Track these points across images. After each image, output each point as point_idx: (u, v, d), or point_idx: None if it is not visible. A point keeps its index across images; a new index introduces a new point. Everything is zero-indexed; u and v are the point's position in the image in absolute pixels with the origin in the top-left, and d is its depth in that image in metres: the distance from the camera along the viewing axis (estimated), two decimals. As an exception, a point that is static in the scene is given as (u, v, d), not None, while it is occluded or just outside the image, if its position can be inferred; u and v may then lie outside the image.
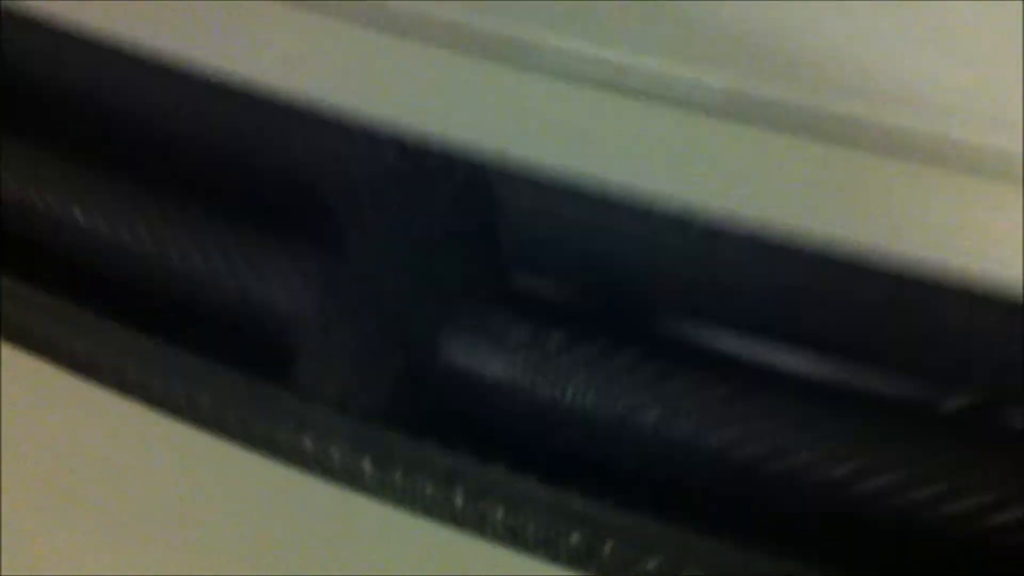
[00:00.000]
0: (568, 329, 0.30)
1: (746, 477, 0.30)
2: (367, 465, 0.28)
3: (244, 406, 0.30)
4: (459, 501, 0.27)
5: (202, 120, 0.34)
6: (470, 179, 0.31)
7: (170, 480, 0.37)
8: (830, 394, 0.31)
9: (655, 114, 0.32)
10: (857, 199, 0.30)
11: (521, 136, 0.32)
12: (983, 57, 0.32)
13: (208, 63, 0.34)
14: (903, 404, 0.31)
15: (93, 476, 0.38)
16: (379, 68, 0.33)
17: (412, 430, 0.29)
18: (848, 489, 0.29)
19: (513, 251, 0.31)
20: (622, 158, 0.31)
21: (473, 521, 0.27)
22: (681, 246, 0.30)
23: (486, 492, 0.28)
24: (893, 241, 0.29)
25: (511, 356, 0.30)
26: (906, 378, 0.31)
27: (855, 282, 0.30)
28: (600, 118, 0.32)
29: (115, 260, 0.34)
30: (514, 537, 0.27)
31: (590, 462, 0.30)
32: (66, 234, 0.36)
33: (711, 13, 0.33)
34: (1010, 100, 0.31)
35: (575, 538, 0.27)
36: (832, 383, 0.31)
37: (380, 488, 0.28)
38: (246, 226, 0.33)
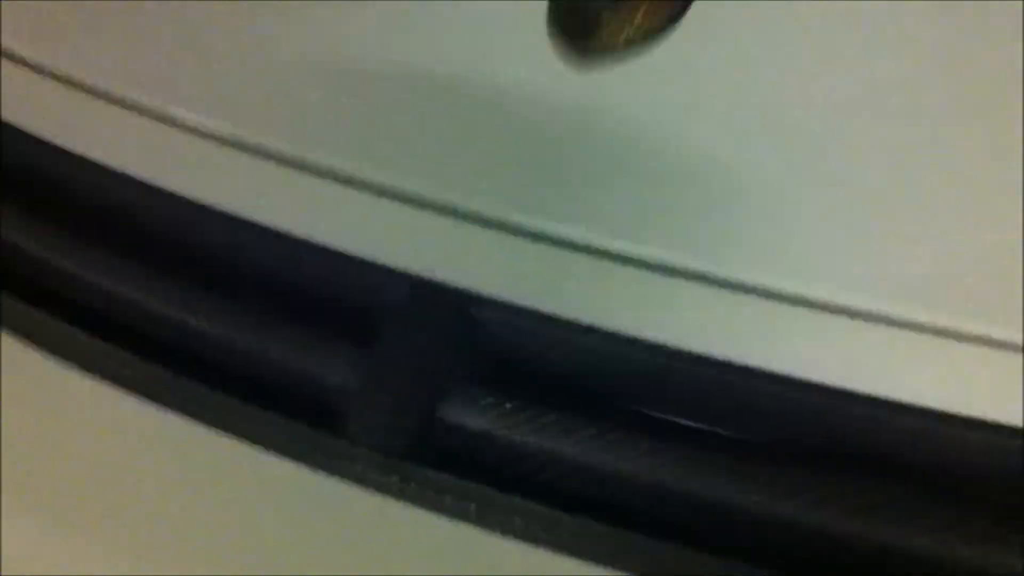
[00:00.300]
0: (521, 397, 0.45)
1: (651, 497, 0.43)
2: (395, 481, 0.44)
3: (316, 449, 0.45)
4: (449, 501, 0.43)
5: (289, 261, 0.50)
6: (457, 301, 0.47)
7: (172, 476, 0.46)
8: (729, 444, 0.44)
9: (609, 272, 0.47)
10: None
11: (496, 275, 0.48)
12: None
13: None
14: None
15: (94, 471, 0.47)
16: (402, 229, 0.50)
17: (423, 461, 0.44)
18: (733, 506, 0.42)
19: (487, 347, 0.47)
20: (562, 293, 0.47)
21: (460, 515, 0.43)
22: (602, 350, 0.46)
23: (468, 498, 0.43)
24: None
25: (486, 414, 0.45)
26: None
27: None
28: (552, 265, 0.48)
29: (218, 354, 0.49)
30: (485, 525, 0.43)
31: (540, 481, 0.44)
32: (180, 336, 0.50)
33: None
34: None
35: (521, 525, 0.43)
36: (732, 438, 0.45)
37: (401, 495, 0.44)
38: (315, 327, 0.48)
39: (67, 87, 0.58)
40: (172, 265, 0.50)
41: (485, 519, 0.43)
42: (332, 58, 0.57)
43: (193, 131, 0.55)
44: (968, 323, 0.44)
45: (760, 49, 0.54)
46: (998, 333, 0.44)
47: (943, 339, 0.44)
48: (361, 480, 0.45)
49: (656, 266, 0.48)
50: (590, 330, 0.45)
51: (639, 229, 0.49)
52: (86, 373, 0.49)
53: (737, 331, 0.46)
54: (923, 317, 0.45)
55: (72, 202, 0.55)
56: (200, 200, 0.50)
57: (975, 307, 0.44)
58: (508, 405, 0.45)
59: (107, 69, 0.58)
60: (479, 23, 0.57)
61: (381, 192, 0.50)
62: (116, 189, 0.53)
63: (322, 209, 0.51)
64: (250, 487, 0.46)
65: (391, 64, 0.56)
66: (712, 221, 0.49)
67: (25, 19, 0.61)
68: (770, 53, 0.54)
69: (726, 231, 0.49)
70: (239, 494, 0.46)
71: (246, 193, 0.51)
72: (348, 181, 0.50)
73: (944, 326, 0.44)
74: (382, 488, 0.44)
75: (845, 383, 0.43)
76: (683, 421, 0.45)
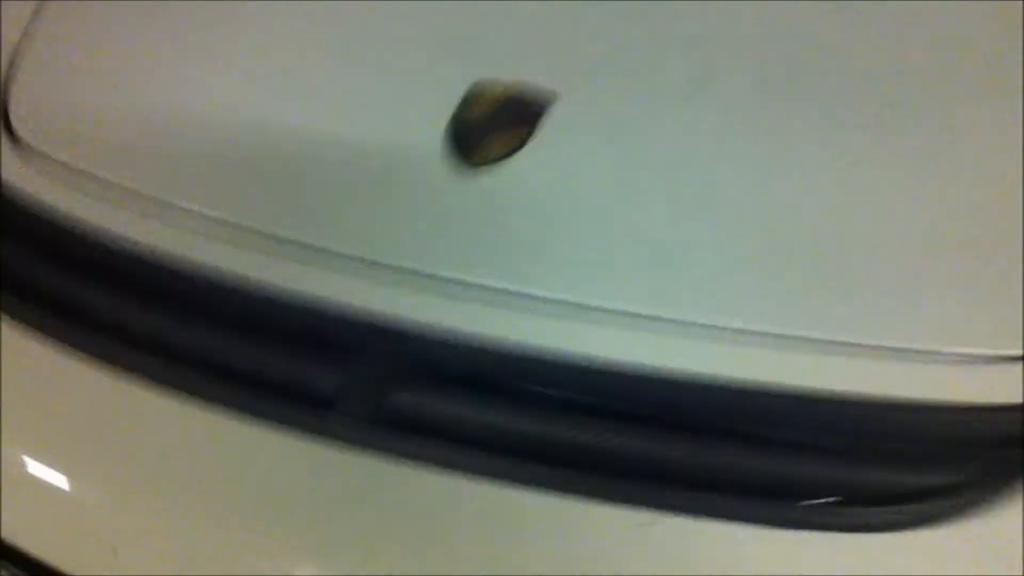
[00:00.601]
0: (444, 384, 0.71)
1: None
2: (365, 441, 0.69)
3: (314, 424, 0.70)
4: (401, 453, 0.68)
5: (299, 310, 0.76)
6: (399, 329, 0.73)
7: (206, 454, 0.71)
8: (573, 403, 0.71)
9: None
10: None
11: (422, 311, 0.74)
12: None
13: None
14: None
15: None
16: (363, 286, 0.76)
17: (381, 428, 0.70)
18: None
19: (420, 357, 0.72)
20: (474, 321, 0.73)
21: (408, 461, 0.68)
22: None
23: (412, 448, 0.69)
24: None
25: (422, 397, 0.71)
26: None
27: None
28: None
29: (255, 369, 0.74)
30: (425, 466, 0.68)
31: (458, 435, 0.70)
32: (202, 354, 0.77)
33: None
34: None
35: (448, 463, 0.69)
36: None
37: (370, 451, 0.69)
38: (315, 349, 0.74)
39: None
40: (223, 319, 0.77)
41: (425, 463, 0.69)
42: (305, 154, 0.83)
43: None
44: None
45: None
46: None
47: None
48: (343, 444, 0.71)
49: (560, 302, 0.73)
50: (485, 342, 0.72)
51: (536, 276, 0.74)
52: (154, 387, 0.76)
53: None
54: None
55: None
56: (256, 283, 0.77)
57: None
58: (436, 391, 0.72)
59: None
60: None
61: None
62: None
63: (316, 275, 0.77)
64: (265, 453, 0.72)
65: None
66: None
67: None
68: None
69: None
70: (260, 460, 0.73)
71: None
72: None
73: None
74: (357, 447, 0.70)
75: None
76: (548, 391, 0.72)
